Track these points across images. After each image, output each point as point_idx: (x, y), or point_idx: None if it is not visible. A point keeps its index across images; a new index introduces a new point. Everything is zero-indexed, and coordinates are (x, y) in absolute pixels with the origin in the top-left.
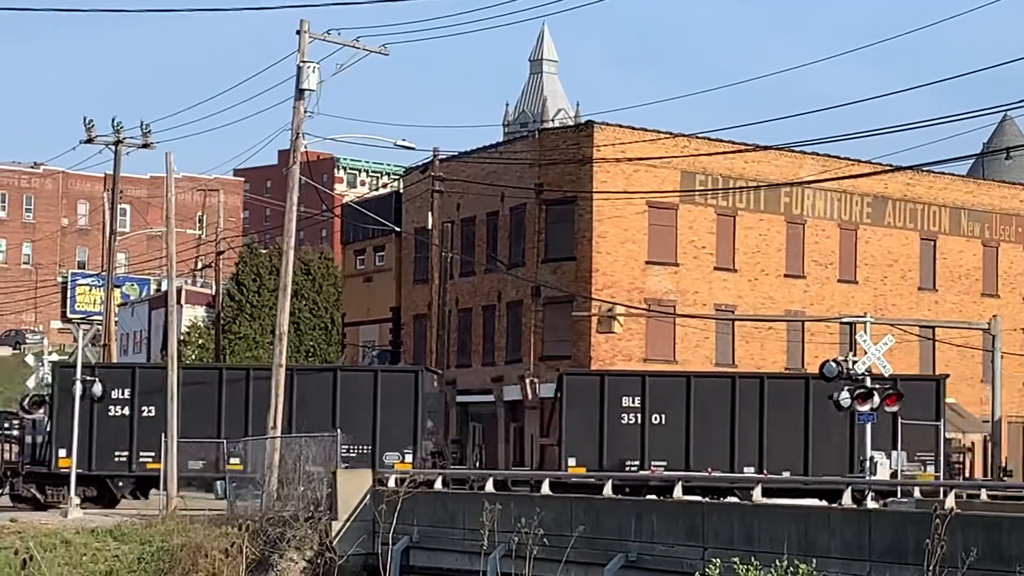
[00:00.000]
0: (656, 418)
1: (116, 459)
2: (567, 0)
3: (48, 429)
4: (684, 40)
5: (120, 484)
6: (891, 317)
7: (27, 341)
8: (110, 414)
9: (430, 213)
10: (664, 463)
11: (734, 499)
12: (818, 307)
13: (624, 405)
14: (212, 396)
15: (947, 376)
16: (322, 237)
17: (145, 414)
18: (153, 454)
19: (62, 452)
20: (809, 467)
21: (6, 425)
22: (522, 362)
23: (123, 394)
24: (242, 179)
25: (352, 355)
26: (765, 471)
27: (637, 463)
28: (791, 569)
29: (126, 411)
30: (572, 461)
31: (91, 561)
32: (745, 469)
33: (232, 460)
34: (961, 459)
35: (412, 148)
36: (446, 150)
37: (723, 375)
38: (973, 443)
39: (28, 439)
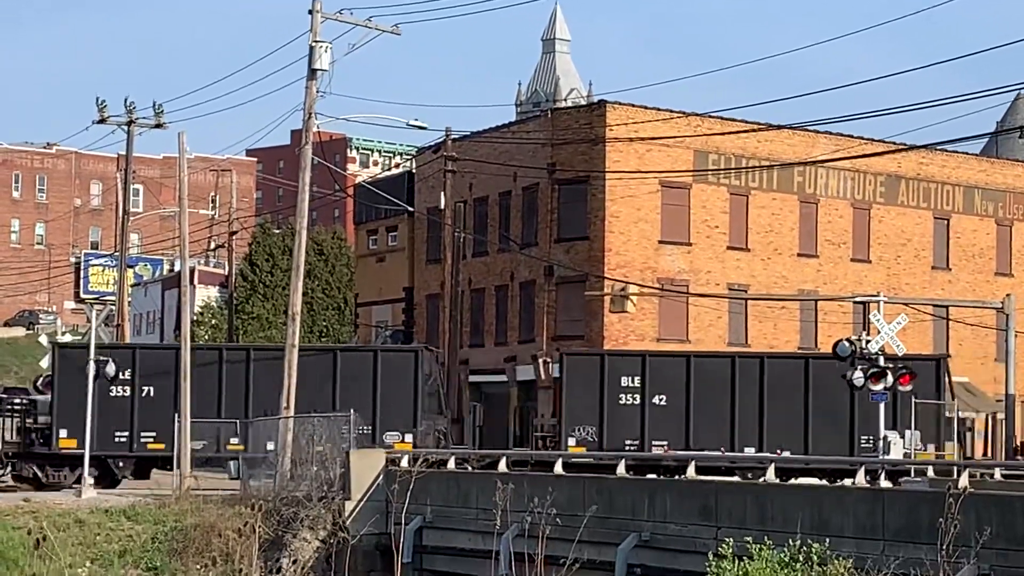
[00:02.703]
0: (657, 399)
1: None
2: None
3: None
4: (698, 20)
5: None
6: (904, 296)
7: (40, 322)
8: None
9: (443, 193)
10: (665, 443)
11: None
12: (831, 286)
13: (624, 385)
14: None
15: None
16: (335, 217)
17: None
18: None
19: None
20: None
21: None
22: (535, 342)
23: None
24: (255, 159)
25: (365, 335)
26: (765, 451)
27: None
28: (804, 548)
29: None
30: (572, 441)
31: (105, 541)
32: (746, 449)
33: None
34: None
35: (424, 128)
36: (458, 130)
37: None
38: (974, 421)
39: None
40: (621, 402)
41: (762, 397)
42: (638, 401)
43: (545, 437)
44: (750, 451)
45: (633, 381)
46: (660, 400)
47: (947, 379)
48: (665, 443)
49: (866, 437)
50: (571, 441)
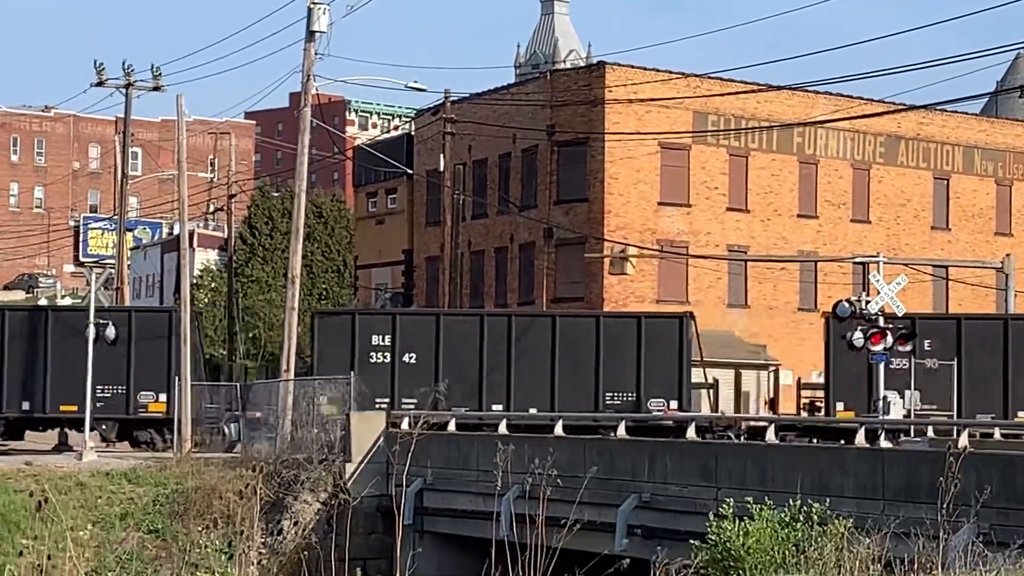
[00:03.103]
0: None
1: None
2: None
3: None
4: None
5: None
6: (904, 257)
7: (40, 285)
8: None
9: (442, 155)
10: (414, 402)
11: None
12: (831, 247)
13: (375, 343)
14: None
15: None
16: (334, 180)
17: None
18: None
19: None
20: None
21: None
22: (534, 304)
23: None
24: (253, 122)
25: (364, 298)
26: (514, 409)
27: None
28: (804, 509)
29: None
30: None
31: (106, 504)
32: (494, 407)
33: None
34: None
35: (423, 90)
36: (457, 92)
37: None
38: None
39: None
40: (370, 361)
41: (510, 356)
42: (388, 359)
43: None
44: (498, 408)
45: (384, 340)
46: (410, 358)
47: (691, 335)
48: (414, 402)
49: (611, 393)
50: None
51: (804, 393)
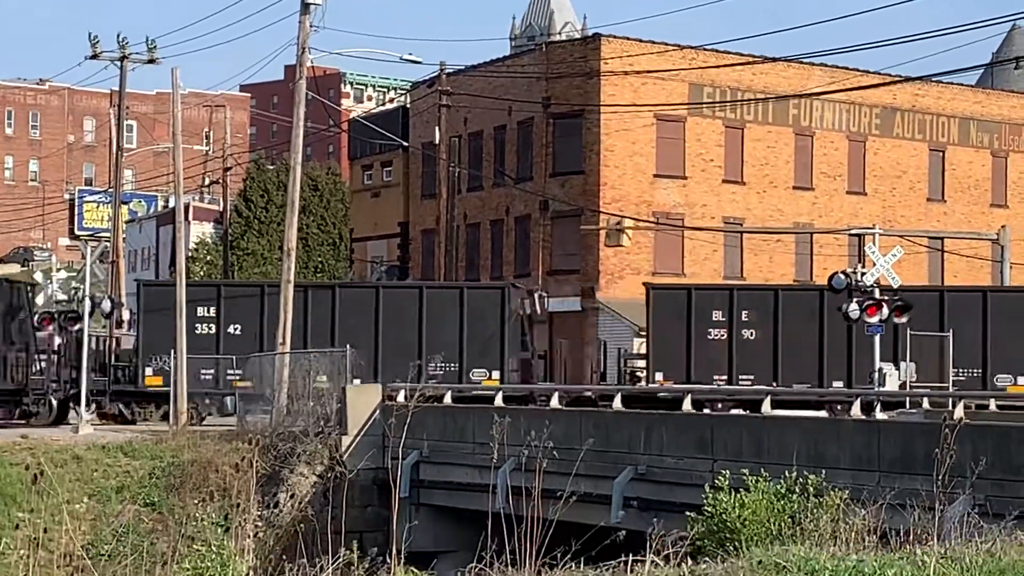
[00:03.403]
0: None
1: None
2: None
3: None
4: None
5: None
6: (900, 228)
7: (35, 258)
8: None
9: (437, 128)
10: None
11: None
12: (826, 219)
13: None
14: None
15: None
16: (329, 153)
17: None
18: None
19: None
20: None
21: None
22: (530, 276)
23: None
24: (248, 95)
25: (360, 270)
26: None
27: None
28: (800, 480)
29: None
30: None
31: (102, 477)
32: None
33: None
34: None
35: (419, 62)
36: (453, 64)
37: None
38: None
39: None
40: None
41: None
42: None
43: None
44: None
45: (209, 311)
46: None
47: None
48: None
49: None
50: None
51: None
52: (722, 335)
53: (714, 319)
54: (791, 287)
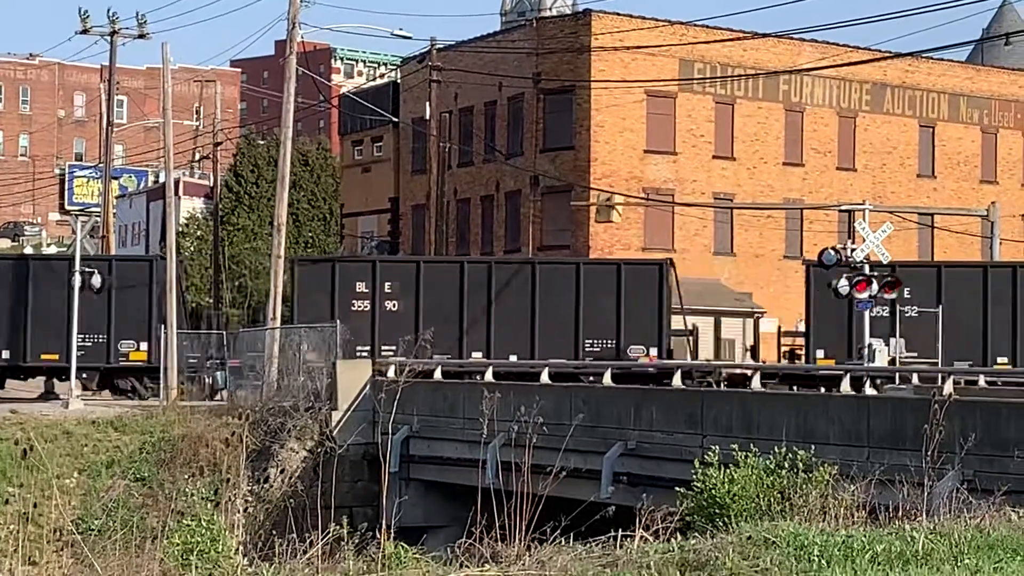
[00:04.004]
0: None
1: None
2: None
3: None
4: None
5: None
6: (890, 204)
7: (25, 233)
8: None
9: (428, 103)
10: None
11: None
12: (817, 195)
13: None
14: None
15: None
16: (319, 128)
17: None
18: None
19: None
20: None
21: None
22: (521, 252)
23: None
24: (239, 70)
25: (351, 245)
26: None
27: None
28: (789, 456)
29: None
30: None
31: (92, 452)
32: (473, 354)
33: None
34: None
35: (409, 38)
36: (443, 39)
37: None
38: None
39: None
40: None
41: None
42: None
43: None
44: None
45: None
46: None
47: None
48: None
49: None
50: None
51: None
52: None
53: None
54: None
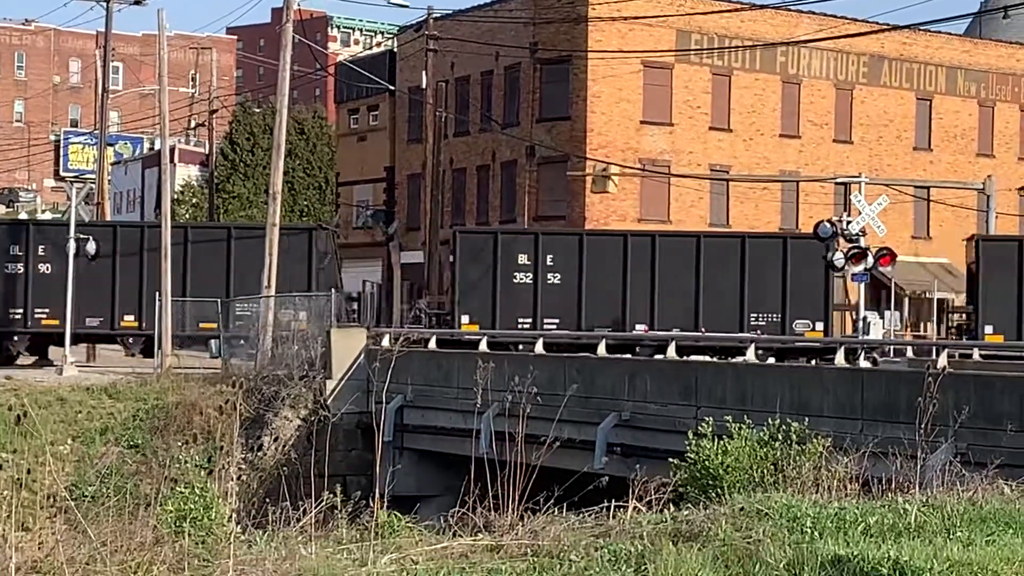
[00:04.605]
0: (551, 277)
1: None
2: None
3: None
4: None
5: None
6: (886, 177)
7: (20, 199)
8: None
9: (424, 72)
10: (557, 321)
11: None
12: (813, 167)
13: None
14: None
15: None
16: (316, 96)
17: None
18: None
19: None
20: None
21: None
22: (516, 222)
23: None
24: (235, 37)
25: (346, 214)
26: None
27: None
28: (783, 427)
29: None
30: (465, 319)
31: (86, 419)
32: (637, 327)
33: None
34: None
35: (406, 6)
36: (440, 8)
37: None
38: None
39: None
40: (514, 281)
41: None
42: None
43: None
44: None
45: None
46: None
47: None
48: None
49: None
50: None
51: None
52: None
53: None
54: None
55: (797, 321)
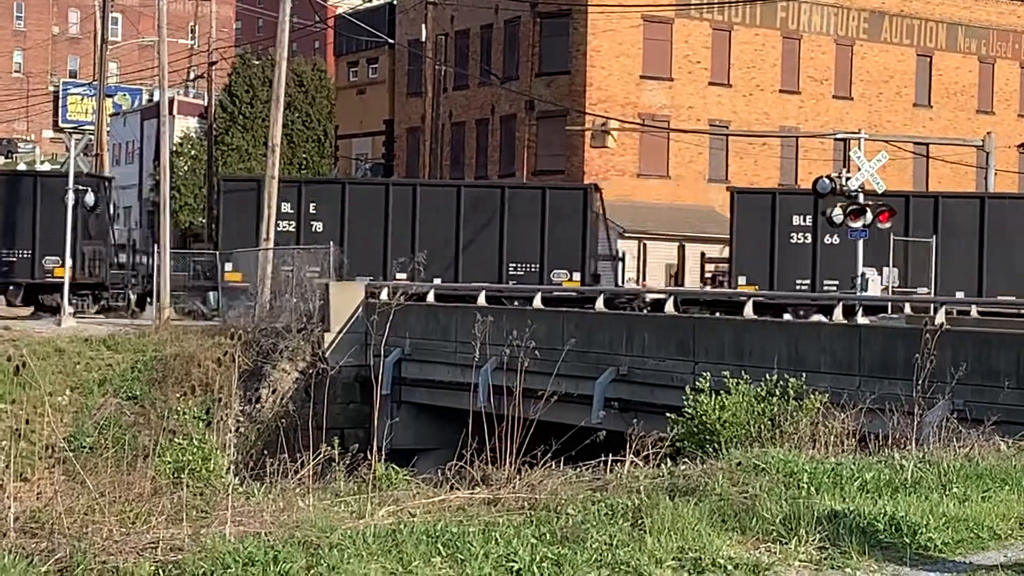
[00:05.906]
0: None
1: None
2: None
3: None
4: None
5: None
6: (885, 134)
7: (19, 150)
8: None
9: (424, 25)
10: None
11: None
12: (812, 123)
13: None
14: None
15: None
16: (315, 48)
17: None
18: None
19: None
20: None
21: None
22: (515, 176)
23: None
24: None
25: (345, 167)
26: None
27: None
28: (781, 383)
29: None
30: (743, 280)
31: (84, 370)
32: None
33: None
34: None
35: None
36: None
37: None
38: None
39: None
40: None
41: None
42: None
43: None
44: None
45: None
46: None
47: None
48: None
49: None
50: (741, 280)
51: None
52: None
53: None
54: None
55: (555, 271)
